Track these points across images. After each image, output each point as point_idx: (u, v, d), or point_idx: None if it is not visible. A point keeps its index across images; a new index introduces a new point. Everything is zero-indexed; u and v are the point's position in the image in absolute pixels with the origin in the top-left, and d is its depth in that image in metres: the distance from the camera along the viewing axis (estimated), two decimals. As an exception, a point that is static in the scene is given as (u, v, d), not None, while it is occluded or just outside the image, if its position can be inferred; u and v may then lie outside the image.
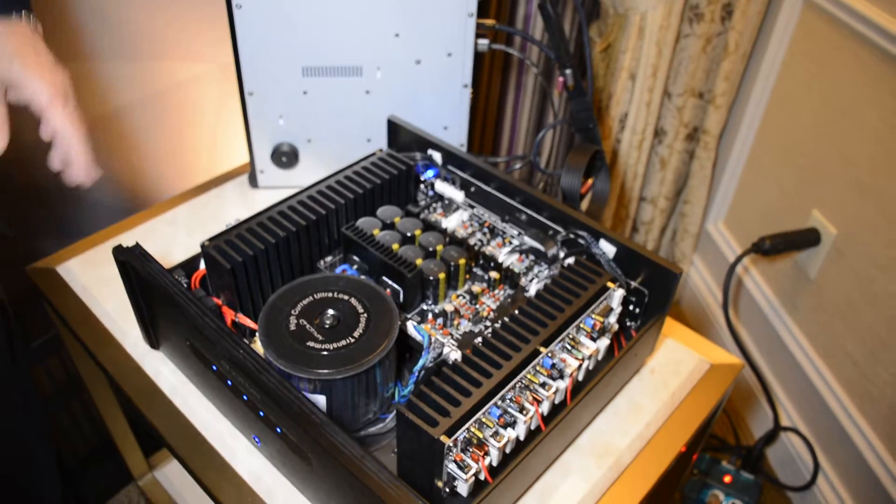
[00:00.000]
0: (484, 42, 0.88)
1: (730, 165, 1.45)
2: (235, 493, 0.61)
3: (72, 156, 0.64)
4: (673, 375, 0.74)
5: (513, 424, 0.55)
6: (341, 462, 0.48)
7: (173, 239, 0.85)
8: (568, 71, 0.87)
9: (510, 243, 0.75)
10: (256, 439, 0.61)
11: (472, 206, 0.80)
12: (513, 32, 0.99)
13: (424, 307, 0.68)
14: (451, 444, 0.50)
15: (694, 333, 0.79)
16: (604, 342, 0.63)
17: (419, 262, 0.67)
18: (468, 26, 0.84)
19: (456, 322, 0.67)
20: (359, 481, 0.47)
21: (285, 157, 0.91)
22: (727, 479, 1.25)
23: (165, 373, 0.69)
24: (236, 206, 0.91)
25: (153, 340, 0.70)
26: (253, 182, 0.94)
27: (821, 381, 1.22)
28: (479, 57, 0.88)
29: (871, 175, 1.09)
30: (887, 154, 1.05)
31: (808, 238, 1.19)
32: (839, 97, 1.14)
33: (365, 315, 0.60)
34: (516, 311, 0.60)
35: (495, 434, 0.54)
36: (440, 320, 0.67)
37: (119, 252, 0.62)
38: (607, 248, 0.70)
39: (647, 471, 0.66)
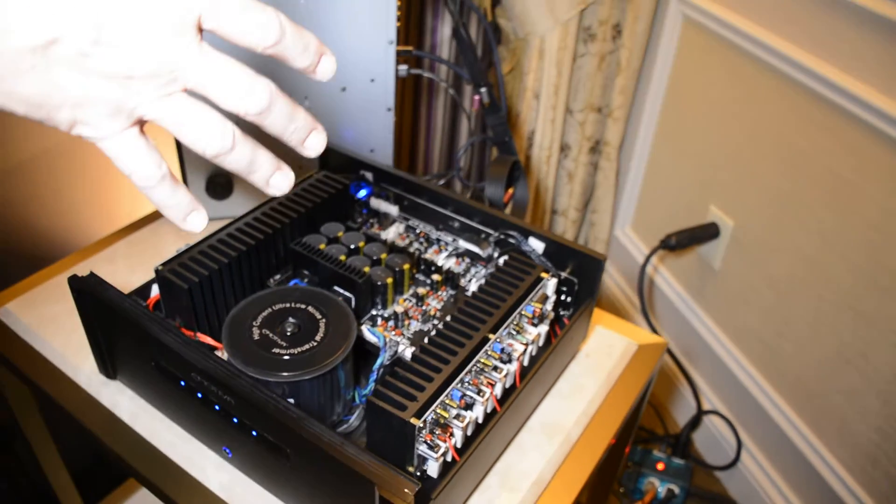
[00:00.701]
0: (403, 68, 0.94)
1: (632, 173, 1.56)
2: (209, 506, 0.63)
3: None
4: (606, 357, 0.80)
5: (472, 406, 0.60)
6: (323, 449, 0.51)
7: (114, 275, 0.85)
8: (483, 89, 0.94)
9: (447, 249, 0.80)
10: (227, 450, 0.63)
11: (407, 219, 0.85)
12: (430, 58, 1.06)
13: (374, 313, 0.72)
14: (421, 426, 0.54)
15: (620, 319, 0.87)
16: (543, 328, 0.69)
17: (367, 269, 0.72)
18: (389, 53, 0.89)
19: (406, 323, 0.71)
20: (343, 465, 0.50)
21: (220, 187, 0.93)
22: (660, 466, 1.33)
23: (123, 402, 0.70)
24: (173, 239, 0.93)
25: (109, 370, 0.70)
26: (188, 215, 0.95)
27: (734, 362, 1.33)
28: (397, 82, 0.94)
29: (755, 168, 1.21)
30: (766, 148, 1.18)
31: (708, 232, 1.30)
32: (721, 101, 1.27)
33: (323, 321, 0.64)
34: (463, 305, 0.65)
35: (458, 416, 0.59)
36: (391, 322, 0.71)
37: (75, 281, 0.64)
38: (536, 245, 0.76)
39: (594, 443, 0.72)
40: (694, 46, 1.31)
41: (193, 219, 0.43)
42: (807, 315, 1.15)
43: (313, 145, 0.45)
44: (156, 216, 0.97)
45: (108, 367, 0.70)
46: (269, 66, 0.85)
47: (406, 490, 0.48)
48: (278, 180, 0.44)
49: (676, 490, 1.29)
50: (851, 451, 1.10)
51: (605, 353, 0.81)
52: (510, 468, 0.67)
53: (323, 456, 0.51)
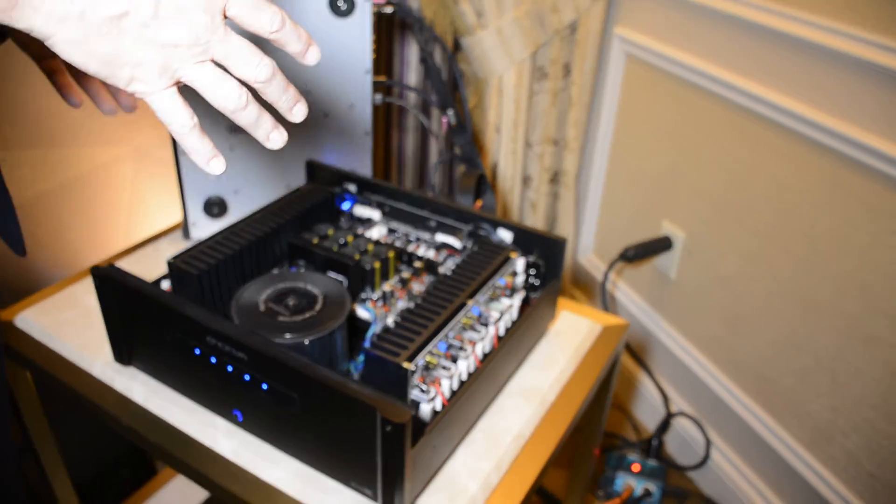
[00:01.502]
0: (378, 96, 1.04)
1: (590, 200, 1.68)
2: (223, 469, 0.69)
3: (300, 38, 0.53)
4: (574, 335, 0.89)
5: (457, 361, 0.68)
6: (330, 386, 0.58)
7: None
8: (450, 111, 1.05)
9: (426, 244, 0.89)
10: (238, 414, 0.70)
11: (389, 221, 0.94)
12: (402, 87, 1.17)
13: (364, 296, 0.80)
14: (413, 369, 0.63)
15: (585, 306, 0.96)
16: (516, 301, 0.78)
17: (357, 256, 0.80)
18: (366, 81, 1.00)
19: (393, 301, 0.80)
20: (348, 397, 0.57)
21: (216, 207, 1.02)
22: (635, 468, 1.40)
23: (136, 387, 0.76)
24: (163, 260, 1.01)
25: (124, 357, 0.77)
26: (186, 234, 1.03)
27: (695, 363, 1.42)
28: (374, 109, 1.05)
29: (699, 181, 1.33)
30: (709, 163, 1.30)
31: (662, 244, 1.41)
32: (666, 125, 1.40)
33: (321, 296, 0.72)
34: (443, 279, 0.74)
35: (445, 367, 0.67)
36: (381, 302, 0.79)
37: (98, 271, 0.71)
38: (505, 235, 0.86)
39: (569, 402, 0.80)
40: (638, 79, 1.46)
41: (215, 163, 0.53)
42: (757, 308, 1.25)
43: (298, 111, 0.56)
44: (154, 238, 1.05)
45: (124, 353, 0.77)
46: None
47: (405, 413, 0.56)
48: (275, 136, 0.55)
49: (653, 489, 1.35)
50: (810, 432, 1.19)
51: (573, 332, 0.90)
52: (493, 426, 0.74)
53: (329, 394, 0.59)
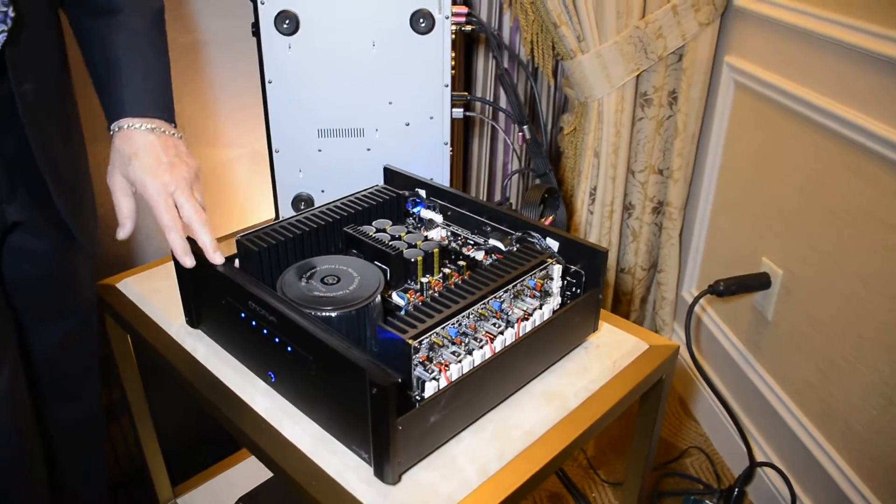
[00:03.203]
0: (459, 111, 1.11)
1: (695, 233, 1.64)
2: (254, 423, 0.76)
3: (200, 236, 0.81)
4: (615, 350, 0.89)
5: (470, 352, 0.72)
6: (334, 350, 0.64)
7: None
8: (525, 127, 1.10)
9: (478, 246, 0.94)
10: (271, 375, 0.77)
11: (449, 225, 0.99)
12: (481, 101, 1.23)
13: (407, 285, 0.86)
14: (417, 346, 0.67)
15: (634, 325, 0.96)
16: (546, 307, 0.81)
17: (403, 249, 0.86)
18: (445, 95, 1.07)
19: (430, 293, 0.85)
20: (346, 359, 0.63)
21: (303, 203, 1.12)
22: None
23: (200, 348, 0.87)
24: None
25: (194, 319, 0.88)
26: (276, 226, 1.15)
27: (786, 411, 1.34)
28: (454, 121, 1.11)
29: (802, 219, 1.27)
30: (811, 200, 1.25)
31: (759, 281, 1.36)
32: (772, 158, 1.35)
33: (357, 278, 0.79)
34: (474, 272, 0.78)
35: (454, 353, 0.71)
36: (418, 292, 0.85)
37: (174, 240, 0.82)
38: (552, 244, 0.88)
39: (589, 412, 0.80)
40: (746, 109, 1.42)
41: (187, 260, 0.80)
42: (852, 356, 1.17)
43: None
44: (241, 231, 1.17)
45: (193, 315, 0.87)
46: (338, 109, 1.04)
47: (390, 378, 0.61)
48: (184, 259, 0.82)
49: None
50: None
51: (615, 346, 0.90)
52: (506, 419, 0.77)
53: (333, 357, 0.65)
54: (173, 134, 0.86)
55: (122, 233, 0.84)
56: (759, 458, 1.42)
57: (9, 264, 0.88)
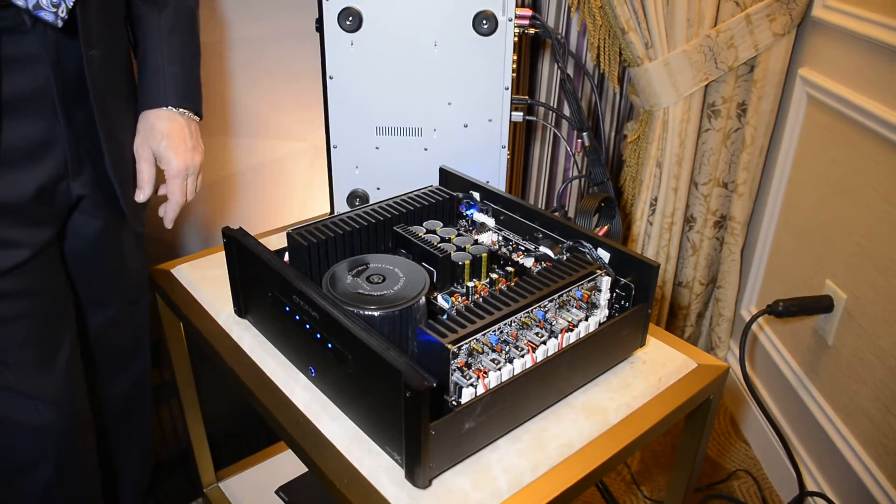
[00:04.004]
0: (518, 114, 1.10)
1: (757, 250, 1.59)
2: (291, 416, 0.77)
3: (168, 212, 0.98)
4: (661, 367, 0.87)
5: (510, 361, 0.71)
6: (371, 348, 0.64)
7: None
8: (585, 134, 1.08)
9: (528, 253, 0.92)
10: (312, 370, 0.78)
11: (501, 230, 0.98)
12: (542, 106, 1.22)
13: (453, 288, 0.86)
14: (455, 351, 0.67)
15: (686, 343, 0.93)
16: (593, 319, 0.79)
17: (452, 252, 0.86)
18: (505, 97, 1.06)
19: (476, 297, 0.84)
20: (383, 360, 0.63)
21: (358, 199, 1.13)
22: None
23: (246, 338, 0.88)
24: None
25: (241, 308, 0.89)
26: (329, 220, 1.16)
27: (841, 440, 1.29)
28: (514, 125, 1.10)
29: (870, 242, 1.22)
30: (880, 222, 1.19)
31: (821, 304, 1.30)
32: (841, 177, 1.30)
33: (403, 278, 0.79)
34: (520, 279, 0.77)
35: (494, 360, 0.70)
36: (463, 296, 0.84)
37: (227, 230, 0.84)
38: (603, 255, 0.87)
39: (630, 429, 0.79)
40: (817, 124, 1.36)
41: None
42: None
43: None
44: (306, 222, 1.18)
45: (241, 305, 0.89)
46: (397, 107, 1.04)
47: (425, 382, 0.60)
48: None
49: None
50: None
51: (661, 363, 0.88)
52: (544, 430, 0.76)
53: (371, 357, 0.65)
54: (196, 122, 0.99)
55: (142, 195, 0.96)
56: (810, 487, 1.37)
57: (70, 243, 0.92)
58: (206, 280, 1.00)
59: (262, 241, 1.10)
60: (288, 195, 1.44)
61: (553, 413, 0.78)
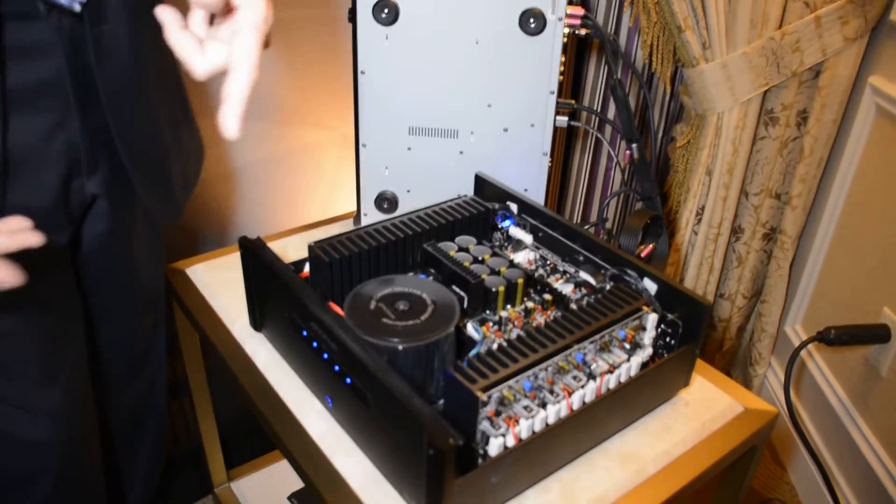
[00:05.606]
0: (563, 119, 1.02)
1: (808, 267, 1.50)
2: (303, 447, 0.72)
3: (234, 94, 0.59)
4: (706, 410, 0.80)
5: (544, 406, 0.65)
6: (393, 395, 0.58)
7: (285, 255, 1.01)
8: (634, 145, 1.00)
9: (567, 277, 0.85)
10: (329, 400, 0.72)
11: (539, 248, 0.91)
12: (590, 112, 1.14)
13: (484, 316, 0.79)
14: (485, 399, 0.60)
15: (733, 382, 0.86)
16: (636, 359, 0.72)
17: (485, 276, 0.79)
18: (549, 102, 0.98)
19: (509, 328, 0.77)
20: (405, 409, 0.57)
21: (387, 202, 1.06)
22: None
23: (262, 353, 0.83)
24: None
25: (257, 322, 0.84)
26: (357, 223, 1.10)
27: (890, 480, 1.21)
28: (556, 130, 1.02)
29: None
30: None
31: (877, 333, 1.21)
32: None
33: (432, 307, 0.72)
34: (559, 316, 0.70)
35: (527, 407, 0.64)
36: (496, 326, 0.78)
37: (244, 240, 0.78)
38: (650, 286, 0.79)
39: (669, 481, 0.72)
40: (885, 137, 1.26)
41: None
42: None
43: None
44: (331, 221, 1.12)
45: (257, 318, 0.83)
46: (433, 107, 0.96)
47: (450, 440, 0.54)
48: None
49: None
50: None
51: (706, 405, 0.81)
52: (575, 480, 0.69)
53: (393, 402, 0.59)
54: None
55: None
56: (852, 525, 1.29)
57: (82, 249, 0.87)
58: (223, 283, 0.95)
59: (283, 240, 1.07)
60: (314, 186, 1.38)
61: (586, 460, 0.72)
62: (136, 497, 1.12)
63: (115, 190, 0.85)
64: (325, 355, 0.69)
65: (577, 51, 1.30)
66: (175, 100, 0.90)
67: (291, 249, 1.03)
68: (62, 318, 0.85)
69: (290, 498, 1.18)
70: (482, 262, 0.84)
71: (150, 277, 0.98)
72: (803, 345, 1.22)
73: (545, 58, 0.95)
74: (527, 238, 0.92)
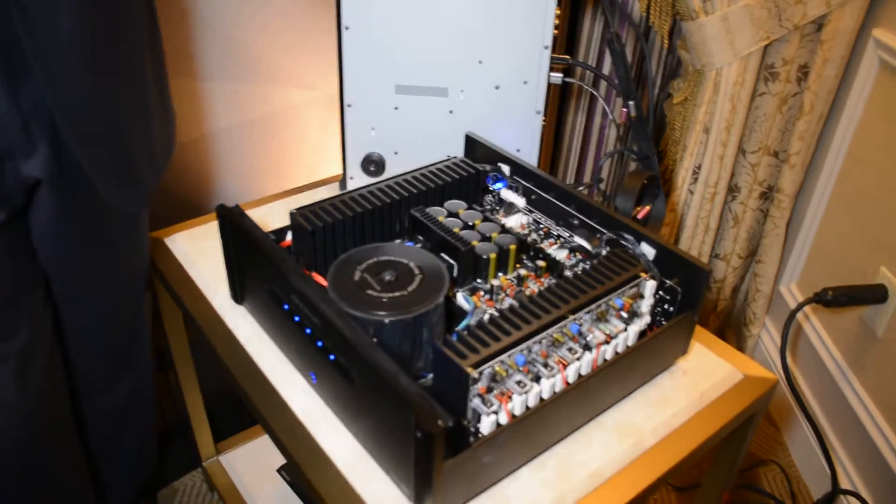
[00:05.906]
0: (558, 76, 0.97)
1: (804, 226, 1.47)
2: (288, 424, 0.69)
3: None
4: (704, 379, 0.78)
5: (538, 380, 0.62)
6: (380, 374, 0.55)
7: (263, 219, 0.96)
8: (631, 102, 0.95)
9: (561, 242, 0.82)
10: (313, 376, 0.69)
11: (532, 212, 0.88)
12: (585, 68, 1.09)
13: (475, 284, 0.76)
14: (476, 376, 0.57)
15: (731, 348, 0.83)
16: (633, 328, 0.69)
17: (475, 243, 0.76)
18: (543, 57, 0.94)
19: (501, 297, 0.74)
20: (392, 389, 0.54)
21: (374, 165, 1.02)
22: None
23: (243, 326, 0.79)
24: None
25: (238, 295, 0.80)
26: (343, 187, 1.05)
27: (883, 441, 1.20)
28: (550, 87, 0.98)
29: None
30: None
31: (874, 294, 1.19)
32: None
33: (420, 276, 0.69)
34: (553, 284, 0.67)
35: (519, 382, 0.61)
36: (487, 295, 0.74)
37: (221, 209, 0.74)
38: (647, 250, 0.76)
39: (667, 454, 0.70)
40: (888, 93, 1.22)
41: None
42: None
43: None
44: (316, 185, 1.08)
45: (237, 291, 0.80)
46: (421, 64, 0.91)
47: (439, 422, 0.51)
48: None
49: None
50: None
51: (704, 374, 0.78)
52: (571, 455, 0.67)
53: (380, 381, 0.56)
54: None
55: None
56: (844, 484, 1.28)
57: (35, 236, 0.81)
58: (204, 252, 0.91)
59: (266, 206, 1.03)
60: (297, 149, 1.33)
61: (582, 434, 0.69)
62: (118, 498, 1.09)
63: (62, 174, 0.78)
64: (308, 330, 0.66)
65: (571, 3, 1.25)
66: (140, 71, 0.79)
67: (276, 216, 0.99)
68: (14, 285, 0.79)
69: (279, 471, 1.16)
70: (472, 227, 0.80)
71: (129, 264, 0.92)
72: (800, 306, 1.19)
73: (539, 10, 0.90)
74: (519, 201, 0.89)
